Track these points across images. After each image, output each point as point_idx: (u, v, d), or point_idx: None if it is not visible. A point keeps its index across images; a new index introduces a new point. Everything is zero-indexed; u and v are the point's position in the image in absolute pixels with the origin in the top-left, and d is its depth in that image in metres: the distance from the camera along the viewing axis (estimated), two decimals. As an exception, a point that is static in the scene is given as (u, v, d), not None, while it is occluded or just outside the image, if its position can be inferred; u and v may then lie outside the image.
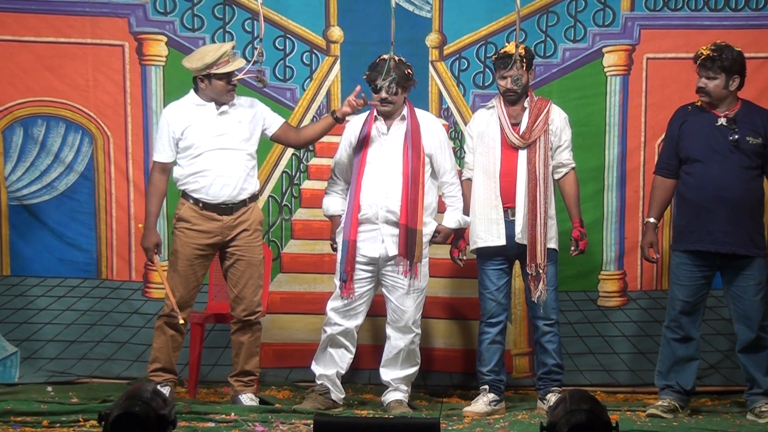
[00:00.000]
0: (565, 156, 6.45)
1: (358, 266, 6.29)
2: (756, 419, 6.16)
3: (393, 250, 6.26)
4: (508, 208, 6.35)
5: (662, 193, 6.39)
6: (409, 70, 6.31)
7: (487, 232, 6.37)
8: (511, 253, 6.38)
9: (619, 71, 7.27)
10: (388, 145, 6.31)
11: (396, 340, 6.34)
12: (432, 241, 6.40)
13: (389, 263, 6.28)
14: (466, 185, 6.51)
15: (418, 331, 6.36)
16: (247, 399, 6.34)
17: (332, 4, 7.30)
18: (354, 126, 6.44)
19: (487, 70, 7.29)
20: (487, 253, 6.41)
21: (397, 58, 6.31)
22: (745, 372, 6.27)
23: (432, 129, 6.38)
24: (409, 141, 6.27)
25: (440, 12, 7.29)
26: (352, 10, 7.29)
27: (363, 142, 6.32)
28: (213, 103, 6.31)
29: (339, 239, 6.38)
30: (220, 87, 6.26)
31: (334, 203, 6.47)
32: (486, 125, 6.45)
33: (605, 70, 7.27)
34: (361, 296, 6.33)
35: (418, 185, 6.24)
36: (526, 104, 6.42)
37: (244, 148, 6.33)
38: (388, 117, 6.34)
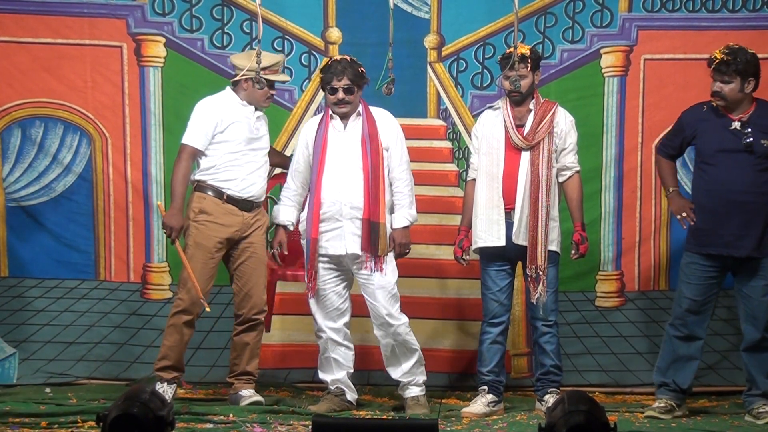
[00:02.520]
0: (570, 159, 6.45)
1: (324, 265, 6.30)
2: (754, 420, 6.16)
3: (353, 248, 6.25)
4: (511, 210, 6.35)
5: (669, 167, 6.44)
6: (361, 69, 6.30)
7: (488, 233, 6.37)
8: (513, 254, 6.38)
9: (617, 72, 7.27)
10: (345, 142, 6.31)
11: (384, 338, 6.34)
12: (397, 254, 6.32)
13: (357, 262, 6.28)
14: (470, 186, 6.51)
15: (403, 320, 6.30)
16: (248, 393, 6.35)
17: (330, 5, 7.30)
18: (309, 128, 6.45)
19: (485, 71, 7.29)
20: (489, 254, 6.41)
21: (349, 58, 6.33)
22: (747, 372, 6.27)
23: (388, 123, 6.37)
24: (367, 136, 6.27)
25: (438, 13, 7.29)
26: (351, 11, 7.29)
27: (321, 142, 6.31)
28: (252, 107, 6.38)
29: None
30: (262, 92, 6.32)
31: (284, 212, 6.44)
32: (491, 126, 6.45)
33: (603, 71, 7.27)
34: (340, 295, 6.34)
35: (378, 179, 6.22)
36: (531, 106, 6.42)
37: (266, 156, 6.46)
38: (344, 116, 6.35)
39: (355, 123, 6.32)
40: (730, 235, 6.14)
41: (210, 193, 6.33)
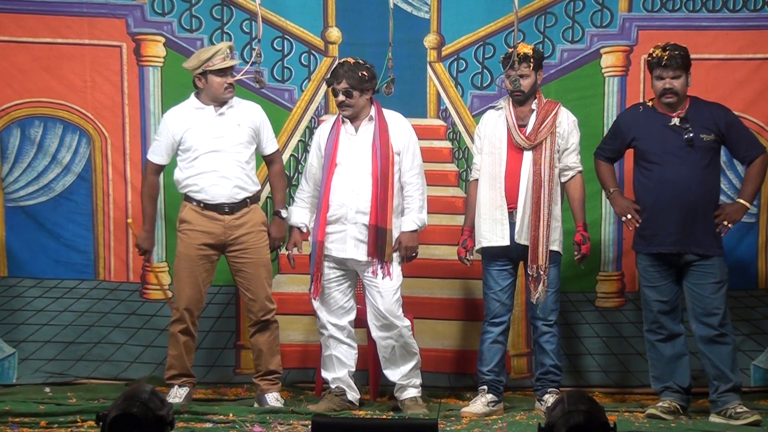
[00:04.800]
0: (572, 159, 6.45)
1: (329, 265, 6.32)
2: (729, 422, 6.08)
3: (353, 252, 6.26)
4: (513, 210, 6.34)
5: (609, 170, 6.48)
6: (364, 72, 6.28)
7: (492, 233, 6.37)
8: (515, 254, 6.38)
9: (617, 72, 7.27)
10: (356, 146, 6.31)
11: (384, 340, 6.34)
12: (403, 258, 6.31)
13: (361, 266, 6.28)
14: (473, 186, 6.51)
15: (405, 323, 6.33)
16: (273, 399, 6.41)
17: (330, 5, 7.29)
18: (323, 130, 6.47)
19: (485, 71, 7.29)
20: (491, 254, 6.41)
21: (353, 61, 6.33)
22: (712, 367, 6.17)
23: (400, 127, 6.37)
24: (378, 141, 6.27)
25: (438, 13, 7.29)
26: (350, 10, 7.28)
27: (332, 145, 6.32)
28: (212, 106, 6.34)
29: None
30: (216, 84, 6.31)
31: (297, 214, 6.48)
32: (494, 125, 6.46)
33: (603, 71, 7.26)
34: (344, 293, 6.36)
35: (387, 185, 6.23)
36: (534, 105, 6.43)
37: (241, 150, 6.38)
38: (354, 119, 6.34)
39: (367, 127, 6.32)
40: (678, 233, 6.16)
41: (192, 202, 6.38)
